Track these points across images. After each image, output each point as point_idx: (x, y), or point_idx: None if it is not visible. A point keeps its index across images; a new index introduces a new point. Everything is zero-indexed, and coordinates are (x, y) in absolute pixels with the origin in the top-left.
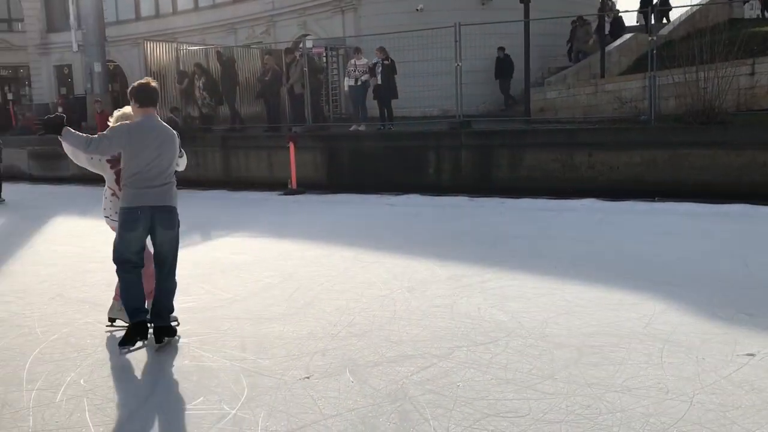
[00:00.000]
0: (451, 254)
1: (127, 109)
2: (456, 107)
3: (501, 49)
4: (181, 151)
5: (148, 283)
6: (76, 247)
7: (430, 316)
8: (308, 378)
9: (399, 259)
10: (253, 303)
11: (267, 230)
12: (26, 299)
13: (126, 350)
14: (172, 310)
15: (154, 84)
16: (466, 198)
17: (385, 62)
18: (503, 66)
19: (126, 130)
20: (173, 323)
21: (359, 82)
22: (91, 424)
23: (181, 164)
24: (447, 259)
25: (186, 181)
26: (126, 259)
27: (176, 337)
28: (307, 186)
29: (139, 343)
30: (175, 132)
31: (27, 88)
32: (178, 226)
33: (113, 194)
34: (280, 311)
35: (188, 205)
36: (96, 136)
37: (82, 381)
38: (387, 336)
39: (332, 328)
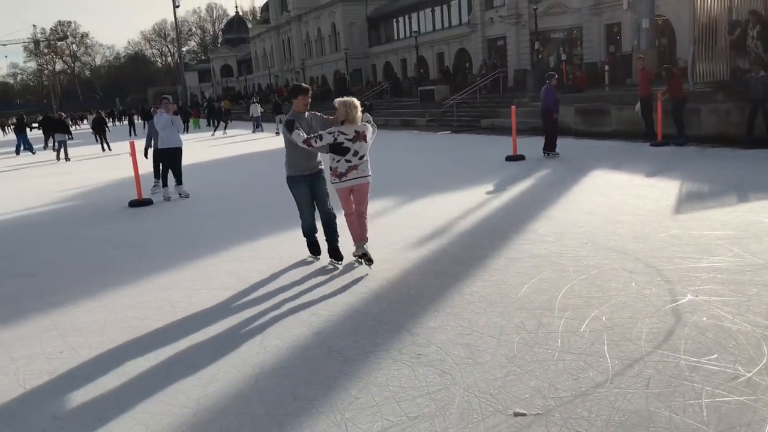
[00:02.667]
0: None
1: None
2: None
3: None
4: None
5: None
6: (609, 199)
7: None
8: None
9: None
10: None
11: None
12: (563, 241)
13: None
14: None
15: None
16: None
17: None
18: None
19: None
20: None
21: None
22: (608, 356)
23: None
24: None
25: (728, 139)
26: None
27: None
28: None
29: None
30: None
31: (579, 48)
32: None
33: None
34: None
35: (730, 165)
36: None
37: (603, 318)
38: None
39: None
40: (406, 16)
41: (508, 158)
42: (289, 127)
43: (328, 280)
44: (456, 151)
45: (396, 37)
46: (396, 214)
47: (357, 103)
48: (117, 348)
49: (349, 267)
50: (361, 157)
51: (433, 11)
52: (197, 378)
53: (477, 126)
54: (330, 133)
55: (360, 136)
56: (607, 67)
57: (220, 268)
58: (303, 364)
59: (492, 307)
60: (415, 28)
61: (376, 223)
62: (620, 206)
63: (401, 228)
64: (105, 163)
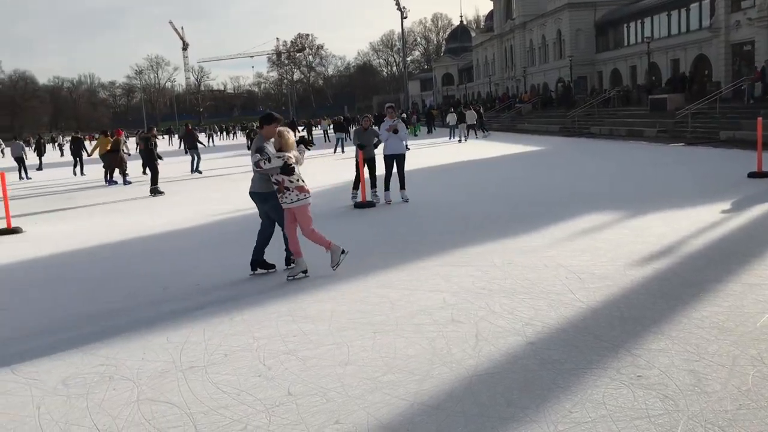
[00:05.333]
0: None
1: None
2: None
3: None
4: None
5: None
6: None
7: None
8: None
9: None
10: None
11: None
12: None
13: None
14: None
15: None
16: None
17: None
18: None
19: None
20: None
21: None
22: None
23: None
24: None
25: None
26: None
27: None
28: None
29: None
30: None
31: None
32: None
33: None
34: None
35: None
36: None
37: None
38: None
39: None
40: (638, 21)
41: (751, 175)
42: (260, 152)
43: (542, 291)
44: (690, 164)
45: (626, 43)
46: (620, 228)
47: (288, 132)
48: (342, 336)
49: (562, 280)
50: (300, 179)
51: (668, 15)
52: (414, 373)
53: (715, 139)
54: (279, 156)
55: (299, 161)
56: None
57: (434, 270)
58: (516, 372)
59: (724, 335)
60: (647, 33)
61: (597, 237)
62: None
63: (625, 243)
64: (340, 166)
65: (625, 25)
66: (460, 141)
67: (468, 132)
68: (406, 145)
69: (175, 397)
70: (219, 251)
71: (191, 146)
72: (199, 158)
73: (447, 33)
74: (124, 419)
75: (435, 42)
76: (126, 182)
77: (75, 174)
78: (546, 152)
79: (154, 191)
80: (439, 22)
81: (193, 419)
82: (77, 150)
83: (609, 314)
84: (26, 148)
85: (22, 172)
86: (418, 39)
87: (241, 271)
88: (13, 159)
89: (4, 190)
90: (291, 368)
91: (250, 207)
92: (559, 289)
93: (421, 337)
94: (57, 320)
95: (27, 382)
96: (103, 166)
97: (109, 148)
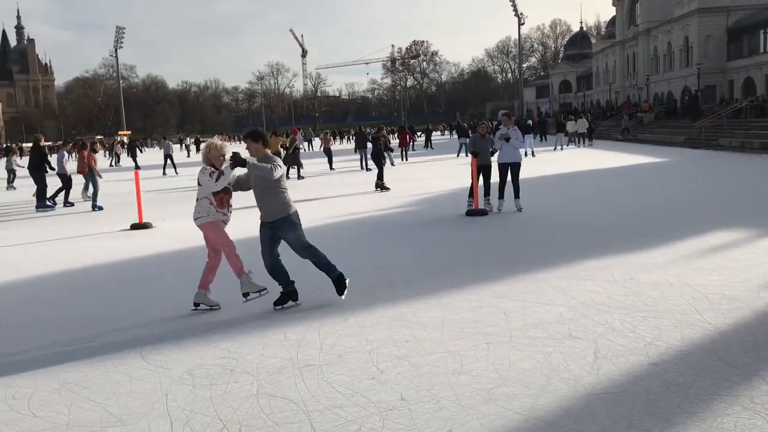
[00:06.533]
0: None
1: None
2: None
3: None
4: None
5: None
6: None
7: None
8: None
9: None
10: None
11: None
12: None
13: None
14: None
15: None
16: None
17: None
18: None
19: None
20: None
21: None
22: None
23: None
24: None
25: None
26: None
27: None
28: None
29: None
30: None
31: None
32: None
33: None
34: None
35: None
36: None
37: None
38: None
39: None
40: None
41: None
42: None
43: (666, 310)
44: None
45: (761, 50)
46: (753, 248)
47: (208, 146)
48: (454, 345)
49: (688, 299)
50: (197, 199)
51: None
52: (529, 387)
53: None
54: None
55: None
56: None
57: (550, 283)
58: (638, 393)
59: None
60: None
61: (728, 256)
62: None
63: (759, 264)
64: (457, 171)
65: (762, 30)
66: (555, 149)
67: (578, 140)
68: (532, 152)
69: (292, 393)
70: (337, 252)
71: (361, 146)
72: (365, 157)
73: (566, 39)
74: (244, 412)
75: (552, 48)
76: (300, 177)
77: None
78: (671, 164)
79: (381, 186)
80: (558, 29)
81: (309, 417)
82: None
83: (741, 339)
84: (173, 147)
85: (170, 168)
86: (535, 45)
87: (354, 274)
88: (162, 156)
89: (138, 187)
90: (404, 373)
91: (368, 210)
92: (685, 309)
93: (537, 351)
94: (183, 311)
95: (156, 369)
96: None
97: (286, 147)
